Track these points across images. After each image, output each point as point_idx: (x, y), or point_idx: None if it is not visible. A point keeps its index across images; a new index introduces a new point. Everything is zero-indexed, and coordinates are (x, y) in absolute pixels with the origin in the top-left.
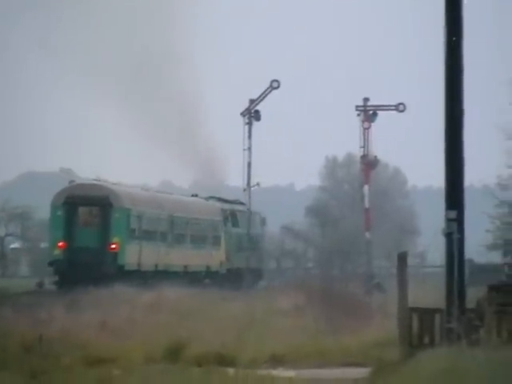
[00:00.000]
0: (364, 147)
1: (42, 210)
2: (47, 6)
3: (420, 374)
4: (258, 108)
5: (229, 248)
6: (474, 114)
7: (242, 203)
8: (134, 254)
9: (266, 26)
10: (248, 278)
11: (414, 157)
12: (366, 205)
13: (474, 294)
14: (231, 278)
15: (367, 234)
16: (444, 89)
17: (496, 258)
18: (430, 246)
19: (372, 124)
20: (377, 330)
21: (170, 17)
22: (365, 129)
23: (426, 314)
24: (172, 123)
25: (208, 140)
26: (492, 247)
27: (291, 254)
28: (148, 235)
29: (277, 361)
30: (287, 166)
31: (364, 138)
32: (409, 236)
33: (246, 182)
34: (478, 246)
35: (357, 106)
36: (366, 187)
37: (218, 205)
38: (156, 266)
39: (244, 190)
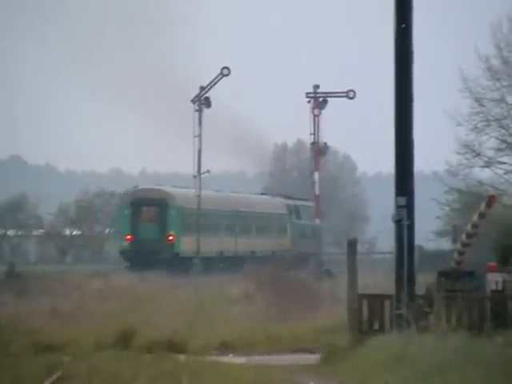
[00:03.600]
0: (314, 134)
1: None
2: None
3: (370, 360)
4: (208, 95)
5: (293, 236)
6: (423, 101)
7: (304, 199)
8: (189, 244)
9: (217, 13)
10: (311, 262)
11: (363, 143)
12: (316, 191)
13: (424, 281)
14: (296, 261)
15: (317, 221)
16: (394, 75)
17: (445, 244)
18: (380, 233)
19: (322, 111)
20: (327, 317)
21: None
22: (315, 116)
23: (375, 300)
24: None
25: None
26: (441, 234)
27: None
28: (208, 228)
29: (227, 347)
30: (238, 152)
31: (314, 125)
32: (359, 222)
33: (196, 169)
34: (427, 232)
35: (307, 93)
36: (316, 174)
37: (283, 201)
38: (221, 252)
39: (194, 176)
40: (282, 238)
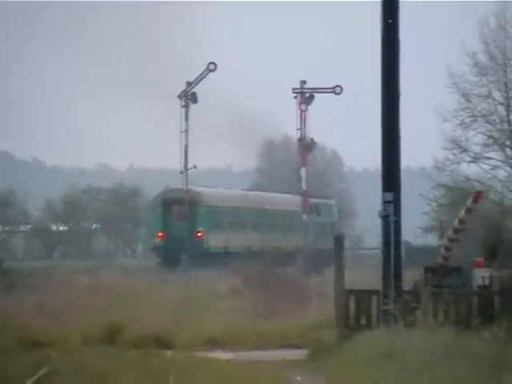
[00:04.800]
0: (301, 130)
1: None
2: None
3: (357, 356)
4: (194, 90)
5: (314, 233)
6: (410, 97)
7: (325, 198)
8: (218, 240)
9: (203, 8)
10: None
11: (351, 139)
12: (303, 187)
13: (411, 276)
14: (316, 256)
15: (304, 216)
16: (381, 71)
17: (432, 240)
18: (367, 229)
19: (309, 106)
20: (314, 312)
21: None
22: (302, 111)
23: (362, 295)
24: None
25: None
26: (428, 229)
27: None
28: (236, 225)
29: (215, 343)
30: (225, 148)
31: (301, 121)
32: (346, 218)
33: (183, 164)
34: (414, 228)
35: (293, 89)
36: (303, 169)
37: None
38: (248, 247)
39: (181, 172)
40: (301, 234)
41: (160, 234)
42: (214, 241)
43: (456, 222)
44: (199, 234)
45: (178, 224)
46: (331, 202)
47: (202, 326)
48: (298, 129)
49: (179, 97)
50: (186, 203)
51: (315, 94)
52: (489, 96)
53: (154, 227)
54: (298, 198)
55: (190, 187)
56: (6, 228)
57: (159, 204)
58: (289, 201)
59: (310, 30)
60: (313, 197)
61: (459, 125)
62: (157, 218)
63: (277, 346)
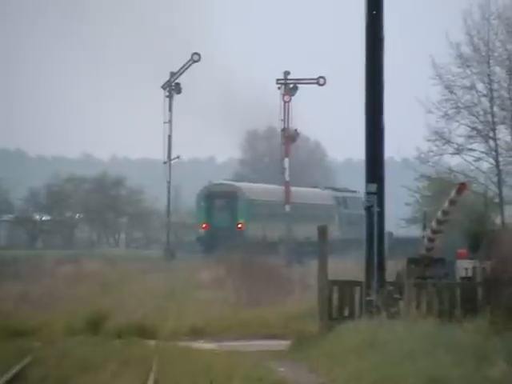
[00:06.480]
0: (284, 120)
1: None
2: None
3: (340, 346)
4: (178, 81)
5: (340, 224)
6: (394, 88)
7: (352, 191)
8: (256, 231)
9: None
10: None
11: (334, 130)
12: (287, 178)
13: (394, 267)
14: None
15: (287, 207)
16: (365, 62)
17: (416, 231)
18: None
19: (292, 97)
20: (297, 303)
21: None
22: (285, 102)
23: (345, 286)
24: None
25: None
26: (411, 220)
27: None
28: (272, 217)
29: (197, 333)
30: (208, 138)
31: (284, 112)
32: None
33: (166, 154)
34: (397, 219)
35: (277, 80)
36: (286, 160)
37: (332, 193)
38: (280, 238)
39: (164, 162)
40: (330, 225)
41: (204, 226)
42: (254, 231)
43: (439, 214)
44: (240, 226)
45: (221, 216)
46: (358, 195)
47: (184, 316)
48: (281, 119)
49: (163, 87)
50: (228, 197)
51: (299, 85)
52: (472, 87)
53: (198, 219)
54: (326, 192)
55: (230, 182)
56: None
57: (203, 198)
58: (317, 195)
59: (294, 20)
60: (340, 191)
61: (442, 116)
62: (201, 211)
63: (260, 336)
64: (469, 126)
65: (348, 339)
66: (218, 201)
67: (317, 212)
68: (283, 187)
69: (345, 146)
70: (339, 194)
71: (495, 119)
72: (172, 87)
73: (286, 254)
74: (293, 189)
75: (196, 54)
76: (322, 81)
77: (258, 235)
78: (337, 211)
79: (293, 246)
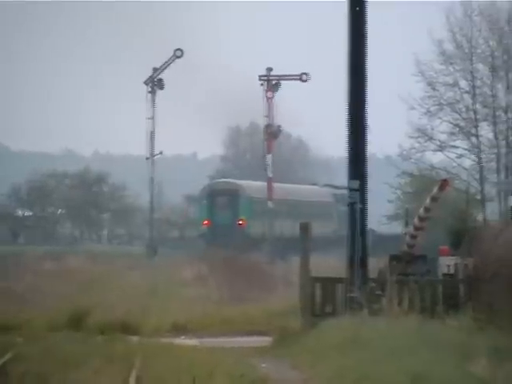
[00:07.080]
0: (267, 117)
1: None
2: None
3: (322, 343)
4: (161, 77)
5: (339, 220)
6: (377, 84)
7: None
8: (257, 227)
9: None
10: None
11: (317, 127)
12: (269, 174)
13: (376, 264)
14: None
15: (270, 204)
16: (347, 59)
17: (398, 228)
18: None
19: (275, 94)
20: (280, 299)
21: None
22: (268, 98)
23: (328, 283)
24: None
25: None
26: (393, 217)
27: (195, 223)
28: (271, 214)
29: (180, 329)
30: (190, 135)
31: (267, 108)
32: None
33: (149, 150)
34: (380, 216)
35: (260, 76)
36: (268, 157)
37: (330, 191)
38: (281, 234)
39: (147, 158)
40: (329, 222)
41: (206, 222)
42: (254, 228)
43: (421, 210)
44: (241, 222)
45: (223, 213)
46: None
47: (167, 312)
48: (265, 116)
49: (145, 83)
50: (229, 194)
51: (282, 82)
52: (455, 84)
53: (200, 216)
54: (325, 190)
55: (232, 180)
56: None
57: (205, 195)
58: (316, 192)
59: (278, 17)
60: (339, 188)
61: (425, 113)
62: (203, 208)
63: (242, 332)
64: (451, 123)
65: (330, 336)
66: (220, 198)
67: (315, 209)
68: (283, 185)
69: (327, 142)
70: (338, 192)
71: (478, 116)
72: (155, 83)
73: (269, 251)
74: (291, 186)
75: (179, 49)
76: (304, 77)
77: (259, 232)
78: (335, 208)
79: (290, 243)
